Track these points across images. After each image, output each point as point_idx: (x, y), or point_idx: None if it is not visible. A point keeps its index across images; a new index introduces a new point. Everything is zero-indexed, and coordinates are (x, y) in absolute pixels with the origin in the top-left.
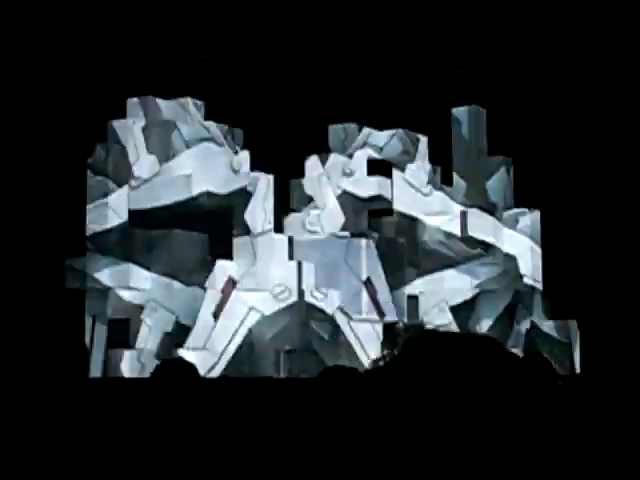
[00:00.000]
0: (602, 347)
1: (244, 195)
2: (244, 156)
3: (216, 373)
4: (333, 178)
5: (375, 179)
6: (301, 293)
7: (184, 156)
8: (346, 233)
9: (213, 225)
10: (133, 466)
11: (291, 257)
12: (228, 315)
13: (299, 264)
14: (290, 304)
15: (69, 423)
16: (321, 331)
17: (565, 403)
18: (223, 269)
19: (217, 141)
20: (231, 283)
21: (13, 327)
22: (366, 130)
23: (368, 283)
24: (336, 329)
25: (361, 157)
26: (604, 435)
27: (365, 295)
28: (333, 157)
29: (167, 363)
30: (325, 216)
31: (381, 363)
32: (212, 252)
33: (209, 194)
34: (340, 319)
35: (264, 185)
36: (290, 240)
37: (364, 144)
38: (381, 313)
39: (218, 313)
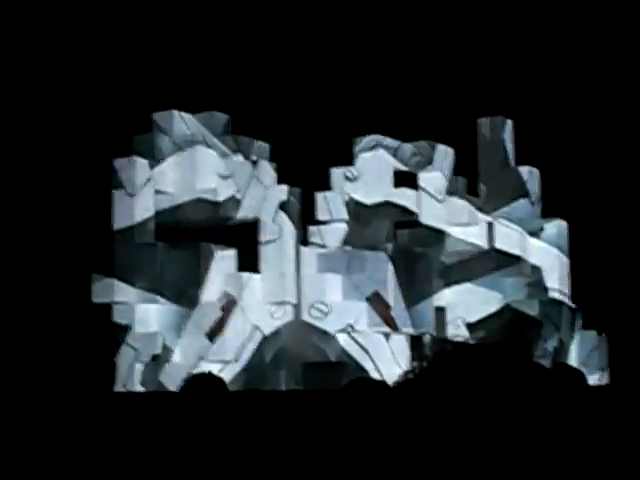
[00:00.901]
0: (632, 358)
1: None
2: (234, 163)
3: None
4: (336, 184)
5: (382, 184)
6: (298, 311)
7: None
8: (348, 247)
9: (241, 237)
10: (156, 474)
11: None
12: (232, 332)
13: (298, 279)
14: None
15: (97, 435)
16: (327, 348)
17: (596, 413)
18: (220, 283)
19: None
20: (231, 298)
21: (40, 341)
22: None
23: (376, 296)
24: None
25: (369, 160)
26: (635, 443)
27: (372, 309)
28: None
29: (196, 378)
30: (327, 227)
31: (410, 376)
32: (240, 265)
33: (199, 201)
34: (342, 339)
35: (259, 193)
36: (298, 252)
37: (374, 146)
38: (394, 326)
39: (217, 331)
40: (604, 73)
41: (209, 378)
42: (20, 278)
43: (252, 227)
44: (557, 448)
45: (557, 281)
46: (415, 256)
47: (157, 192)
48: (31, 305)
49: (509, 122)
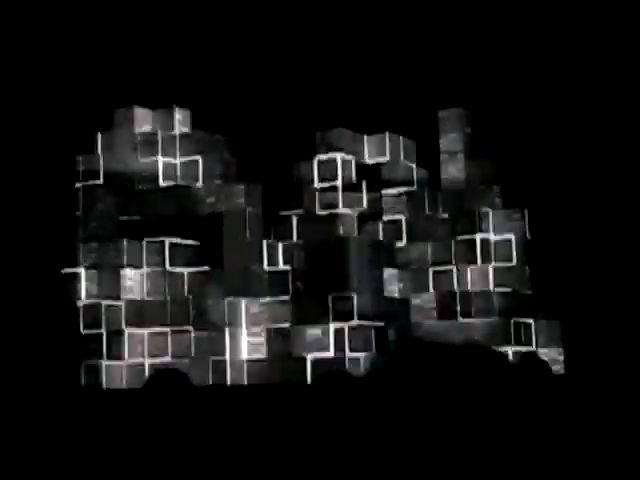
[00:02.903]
0: (589, 347)
1: None
2: (196, 158)
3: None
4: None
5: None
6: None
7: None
8: (325, 239)
9: (205, 233)
10: (128, 471)
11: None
12: None
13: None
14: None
15: (63, 431)
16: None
17: (560, 401)
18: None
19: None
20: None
21: (8, 337)
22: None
23: (352, 287)
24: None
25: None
26: (597, 432)
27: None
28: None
29: (160, 373)
30: (302, 221)
31: (371, 369)
32: (203, 260)
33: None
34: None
35: (222, 188)
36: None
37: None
38: (364, 317)
39: None
40: (564, 62)
41: (173, 373)
42: None
43: (216, 221)
44: (523, 434)
45: (519, 271)
46: (379, 246)
47: (121, 187)
48: None
49: (469, 114)
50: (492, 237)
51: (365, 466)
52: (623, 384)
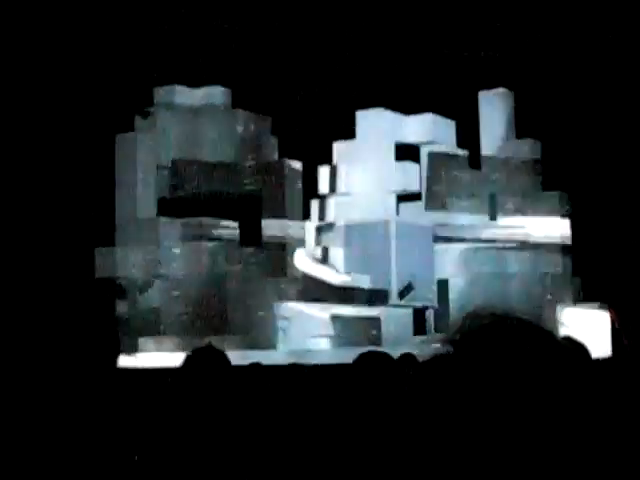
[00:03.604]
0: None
1: None
2: (236, 137)
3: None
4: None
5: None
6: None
7: None
8: (364, 220)
9: (243, 212)
10: (157, 457)
11: (318, 243)
12: None
13: (325, 251)
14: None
15: (99, 411)
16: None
17: (601, 388)
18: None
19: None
20: None
21: (45, 317)
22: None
23: (395, 270)
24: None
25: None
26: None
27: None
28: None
29: (198, 351)
30: (342, 201)
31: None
32: (242, 240)
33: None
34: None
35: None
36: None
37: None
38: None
39: None
40: (605, 43)
41: (211, 352)
42: (21, 253)
43: (255, 200)
44: (562, 423)
45: (561, 254)
46: (420, 229)
47: (159, 167)
48: (33, 281)
49: (511, 94)
50: (534, 218)
51: (406, 451)
52: None
